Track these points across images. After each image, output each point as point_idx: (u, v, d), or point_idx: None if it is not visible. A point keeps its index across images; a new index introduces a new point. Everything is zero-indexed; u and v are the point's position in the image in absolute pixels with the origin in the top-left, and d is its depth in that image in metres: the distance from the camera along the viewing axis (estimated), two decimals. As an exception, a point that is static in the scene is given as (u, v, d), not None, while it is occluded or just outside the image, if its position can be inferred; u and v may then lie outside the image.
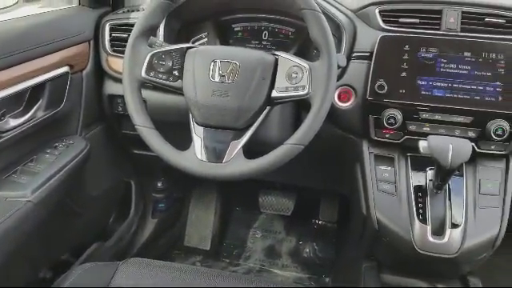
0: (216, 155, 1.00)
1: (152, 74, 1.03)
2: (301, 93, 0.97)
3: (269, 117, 1.06)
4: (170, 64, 1.04)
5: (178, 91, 1.04)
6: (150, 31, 1.05)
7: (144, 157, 1.49)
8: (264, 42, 1.37)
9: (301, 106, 1.24)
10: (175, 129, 1.07)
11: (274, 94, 1.00)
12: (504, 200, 1.10)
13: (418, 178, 1.13)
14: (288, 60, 1.00)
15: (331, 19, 1.18)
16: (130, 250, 1.79)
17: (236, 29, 1.38)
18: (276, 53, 1.02)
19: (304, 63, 0.98)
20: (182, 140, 1.04)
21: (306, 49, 1.29)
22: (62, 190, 1.24)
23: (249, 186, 2.05)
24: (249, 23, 1.37)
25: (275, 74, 1.00)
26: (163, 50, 1.04)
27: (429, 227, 1.06)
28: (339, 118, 1.20)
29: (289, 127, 1.24)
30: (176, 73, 1.03)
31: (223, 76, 0.99)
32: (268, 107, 1.02)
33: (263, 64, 0.99)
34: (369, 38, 1.18)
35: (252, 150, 1.00)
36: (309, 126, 0.96)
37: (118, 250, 1.71)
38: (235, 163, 0.98)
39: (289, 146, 0.96)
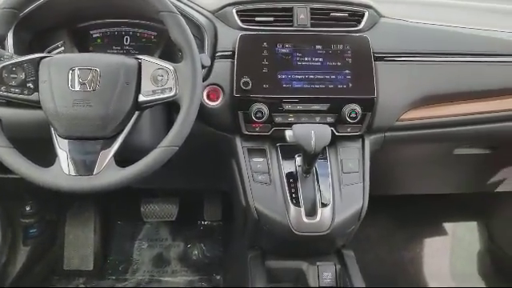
0: (86, 168, 0.96)
1: (3, 88, 0.96)
2: (168, 95, 0.98)
3: (139, 122, 1.04)
4: (23, 76, 0.97)
5: (35, 105, 0.97)
6: (-4, 43, 0.97)
7: (5, 180, 1.36)
8: (126, 47, 1.33)
9: (171, 108, 1.24)
10: (37, 146, 1.00)
11: (141, 98, 0.99)
12: (363, 176, 1.21)
13: (289, 166, 1.20)
14: (151, 63, 0.99)
15: (191, 20, 1.20)
16: (2, 283, 1.63)
17: (95, 35, 1.32)
18: (138, 56, 1.01)
19: (168, 65, 0.98)
20: (46, 157, 0.98)
21: (170, 51, 1.29)
22: None
23: (128, 196, 1.99)
24: (108, 29, 1.32)
25: (140, 78, 0.99)
26: (13, 62, 0.97)
27: (302, 209, 1.14)
28: (210, 116, 1.22)
29: (162, 130, 1.23)
30: (31, 85, 0.97)
31: (84, 84, 0.95)
32: (137, 112, 1.01)
33: (125, 69, 0.97)
34: (230, 38, 1.22)
35: (127, 158, 0.98)
36: (180, 126, 0.97)
37: (-14, 286, 1.54)
38: (107, 174, 0.95)
39: (162, 149, 0.96)
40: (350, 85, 1.19)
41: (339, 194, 1.18)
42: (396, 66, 1.24)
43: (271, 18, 1.24)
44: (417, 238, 2.15)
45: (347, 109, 1.18)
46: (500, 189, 1.79)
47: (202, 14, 1.25)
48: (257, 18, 1.24)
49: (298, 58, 1.20)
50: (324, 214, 1.14)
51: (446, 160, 1.61)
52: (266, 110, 1.18)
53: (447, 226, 2.19)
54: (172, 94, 0.97)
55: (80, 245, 1.95)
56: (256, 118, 1.18)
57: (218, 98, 1.21)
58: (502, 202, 2.02)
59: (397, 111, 1.25)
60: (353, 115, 1.18)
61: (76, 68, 0.96)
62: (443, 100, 1.30)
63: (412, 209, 2.08)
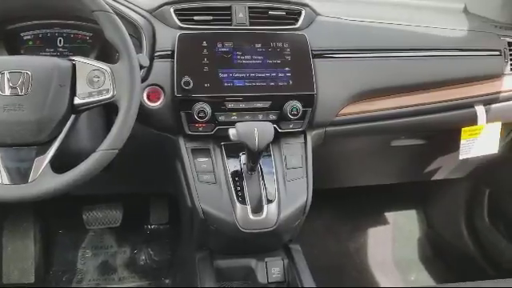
0: (20, 175, 0.91)
1: None
2: (105, 96, 0.95)
3: (76, 125, 1.01)
4: None
5: None
6: None
7: None
8: (60, 49, 1.28)
9: (110, 111, 1.20)
10: None
11: (77, 100, 0.95)
12: (307, 171, 1.24)
13: (234, 164, 1.21)
14: (86, 64, 0.96)
15: (127, 20, 1.17)
16: None
17: (26, 37, 1.26)
18: (73, 58, 0.98)
19: (104, 66, 0.96)
20: None
21: (108, 52, 1.26)
22: None
23: (69, 204, 1.91)
24: (39, 30, 1.26)
25: (75, 80, 0.95)
26: None
27: (248, 207, 1.14)
28: (152, 117, 1.20)
29: (100, 134, 1.19)
30: None
31: (14, 88, 0.90)
32: (73, 116, 0.97)
33: (59, 71, 0.94)
34: (168, 37, 1.20)
35: (65, 164, 0.94)
36: (119, 128, 0.94)
37: None
38: (43, 181, 0.91)
39: (101, 153, 0.93)
40: (291, 82, 1.21)
41: (284, 189, 1.19)
42: (333, 63, 1.28)
43: (210, 17, 1.24)
44: (361, 228, 2.22)
45: (288, 105, 1.20)
46: (436, 177, 1.89)
47: (138, 14, 1.23)
48: (195, 17, 1.23)
49: (238, 57, 1.20)
50: (270, 210, 1.15)
51: (385, 152, 1.68)
52: (208, 109, 1.17)
53: (389, 215, 2.27)
54: (109, 95, 0.95)
55: (19, 257, 1.85)
56: (199, 117, 1.17)
57: (158, 99, 1.19)
58: (438, 189, 2.13)
59: (336, 106, 1.28)
60: (294, 112, 1.20)
61: (5, 72, 0.91)
62: (380, 94, 1.35)
63: (355, 200, 2.15)
